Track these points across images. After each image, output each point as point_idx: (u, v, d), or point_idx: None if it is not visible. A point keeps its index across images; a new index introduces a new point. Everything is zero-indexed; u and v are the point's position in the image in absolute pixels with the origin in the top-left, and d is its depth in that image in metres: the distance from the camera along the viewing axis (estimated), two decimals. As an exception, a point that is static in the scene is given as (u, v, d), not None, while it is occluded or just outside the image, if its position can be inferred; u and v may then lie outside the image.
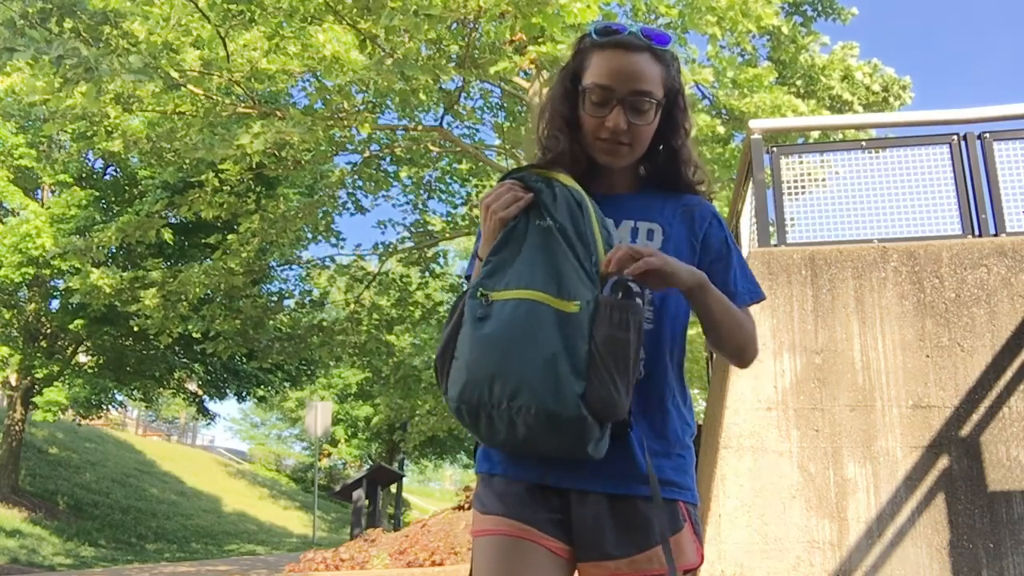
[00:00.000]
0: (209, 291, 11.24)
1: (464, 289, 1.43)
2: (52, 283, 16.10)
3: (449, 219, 12.80)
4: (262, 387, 19.64)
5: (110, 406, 21.15)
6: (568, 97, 1.51)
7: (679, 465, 1.45)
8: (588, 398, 1.25)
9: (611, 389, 1.26)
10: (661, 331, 1.47)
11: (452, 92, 9.93)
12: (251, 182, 11.26)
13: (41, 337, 16.68)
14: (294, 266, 13.87)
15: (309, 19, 8.43)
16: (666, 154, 1.54)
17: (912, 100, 12.87)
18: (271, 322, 12.14)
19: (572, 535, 1.39)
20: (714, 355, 8.20)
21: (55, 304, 16.71)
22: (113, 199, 15.83)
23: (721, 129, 8.42)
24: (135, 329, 12.13)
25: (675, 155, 1.53)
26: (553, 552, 1.37)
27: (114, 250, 13.78)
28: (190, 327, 10.93)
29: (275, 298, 12.87)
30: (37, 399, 16.66)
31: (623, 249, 1.32)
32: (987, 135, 4.88)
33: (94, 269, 10.95)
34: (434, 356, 1.43)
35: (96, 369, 17.42)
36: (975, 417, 4.26)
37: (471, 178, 12.48)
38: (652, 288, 1.38)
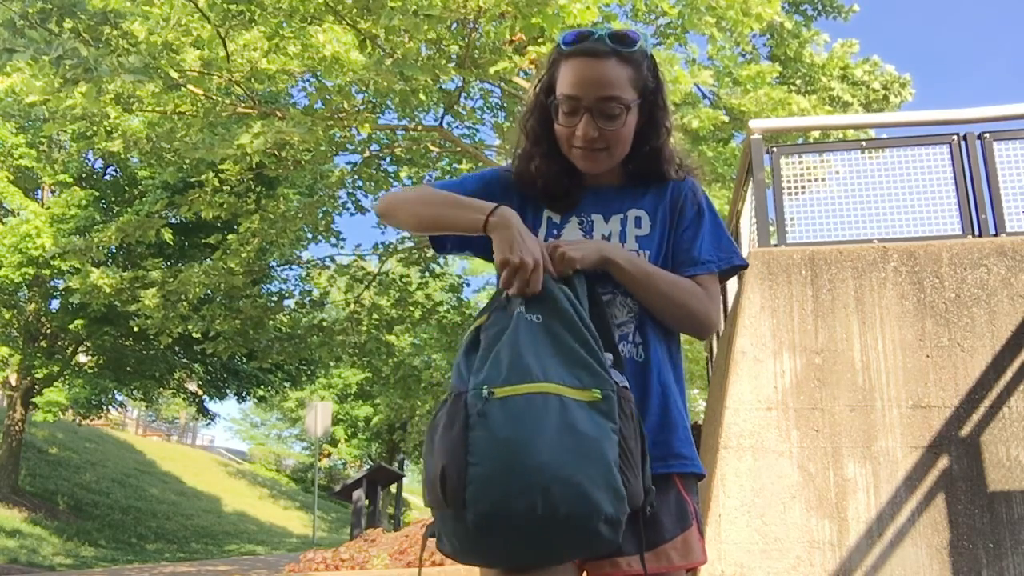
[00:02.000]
0: (209, 291, 11.24)
1: (456, 391, 1.26)
2: (52, 283, 16.10)
3: (449, 219, 12.75)
4: (262, 387, 19.64)
5: (110, 406, 21.14)
6: (542, 110, 1.52)
7: (686, 437, 1.47)
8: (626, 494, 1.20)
9: (637, 482, 1.23)
10: (648, 312, 1.49)
11: (452, 92, 9.92)
12: (251, 182, 11.26)
13: (41, 337, 16.68)
14: (294, 266, 13.88)
15: (309, 19, 8.42)
16: (650, 154, 1.54)
17: (912, 97, 12.87)
18: (271, 322, 12.13)
19: None
20: (714, 355, 8.19)
21: (55, 304, 16.71)
22: (113, 199, 15.83)
23: (726, 118, 8.41)
24: (135, 329, 12.13)
25: (658, 155, 1.54)
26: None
27: (114, 250, 13.79)
28: (190, 327, 10.93)
29: (275, 298, 12.86)
30: (37, 399, 16.66)
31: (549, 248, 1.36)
32: (987, 135, 4.88)
33: (94, 269, 10.95)
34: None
35: (96, 369, 17.42)
36: (975, 417, 4.26)
37: (471, 178, 12.46)
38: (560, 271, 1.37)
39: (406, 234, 12.60)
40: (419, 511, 33.19)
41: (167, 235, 11.85)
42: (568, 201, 1.53)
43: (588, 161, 1.49)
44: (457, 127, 12.02)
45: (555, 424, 1.17)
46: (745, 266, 1.59)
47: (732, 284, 6.50)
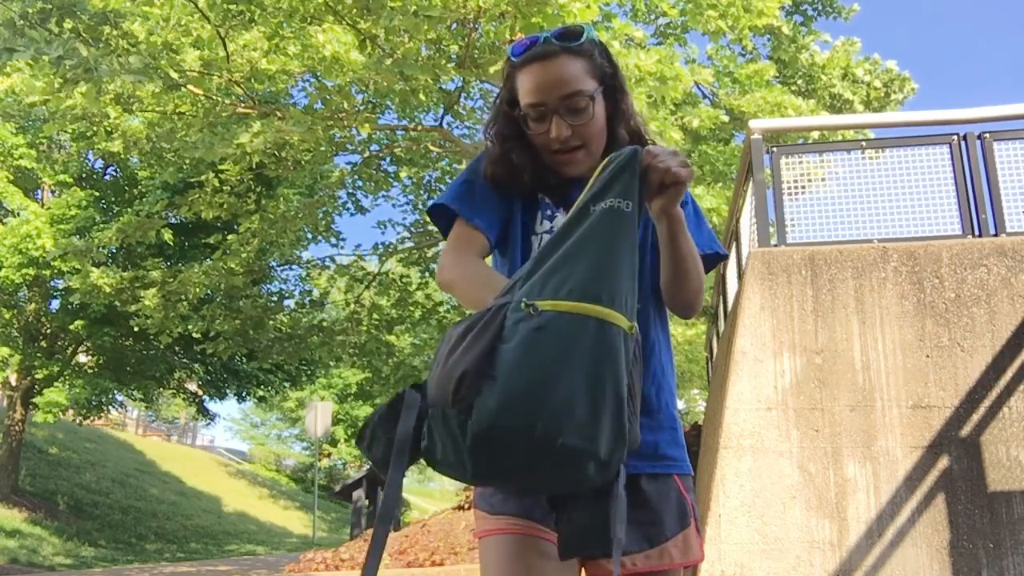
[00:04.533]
0: (209, 291, 11.25)
1: (499, 302, 1.21)
2: (52, 283, 16.10)
3: (449, 219, 12.74)
4: (262, 387, 19.63)
5: (110, 406, 21.13)
6: (507, 118, 1.51)
7: (673, 438, 1.46)
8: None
9: (636, 426, 1.18)
10: (642, 283, 1.45)
11: (452, 92, 9.92)
12: (251, 182, 11.26)
13: (41, 337, 16.68)
14: (294, 266, 13.87)
15: (309, 19, 8.42)
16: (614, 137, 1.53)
17: (915, 93, 12.87)
18: (271, 322, 12.12)
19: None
20: (714, 355, 8.18)
21: (55, 304, 16.72)
22: (113, 199, 15.83)
23: (726, 118, 8.42)
24: (135, 329, 12.12)
25: (614, 138, 1.52)
26: None
27: (114, 250, 13.78)
28: (190, 327, 10.93)
29: (275, 298, 12.87)
30: (37, 400, 16.66)
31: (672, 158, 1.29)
32: (987, 135, 4.89)
33: (94, 269, 10.96)
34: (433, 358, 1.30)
35: (96, 369, 17.41)
36: (975, 417, 4.26)
37: (471, 178, 12.45)
38: (668, 202, 1.33)
39: (406, 234, 12.66)
40: (419, 511, 33.18)
41: (167, 235, 11.87)
42: (558, 192, 1.52)
43: (571, 165, 1.48)
44: (457, 127, 12.02)
45: (584, 353, 1.13)
46: (726, 256, 1.58)
47: (732, 284, 6.50)
